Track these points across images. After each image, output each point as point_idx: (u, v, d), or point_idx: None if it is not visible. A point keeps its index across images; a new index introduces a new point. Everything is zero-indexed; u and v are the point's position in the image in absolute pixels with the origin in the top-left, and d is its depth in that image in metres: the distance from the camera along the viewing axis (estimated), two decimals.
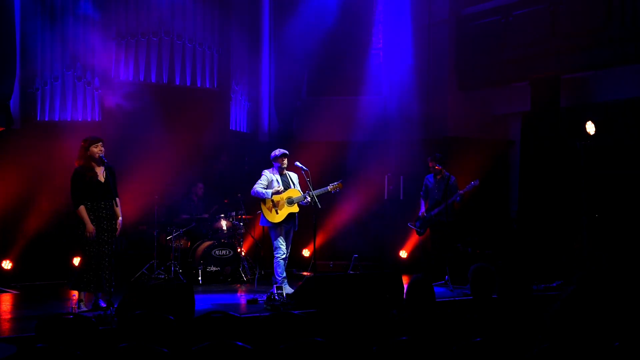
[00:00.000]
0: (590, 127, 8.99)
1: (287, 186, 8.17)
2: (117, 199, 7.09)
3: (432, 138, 10.92)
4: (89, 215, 6.87)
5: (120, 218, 7.10)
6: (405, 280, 7.92)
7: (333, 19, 11.51)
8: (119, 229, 7.09)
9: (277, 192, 8.04)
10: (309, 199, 7.95)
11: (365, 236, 11.11)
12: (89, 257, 6.88)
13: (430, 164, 9.35)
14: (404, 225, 9.92)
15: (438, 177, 9.34)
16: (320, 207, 7.98)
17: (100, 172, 6.97)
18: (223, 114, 11.32)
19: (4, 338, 5.70)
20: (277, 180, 8.14)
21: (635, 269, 8.58)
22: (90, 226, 6.83)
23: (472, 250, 10.01)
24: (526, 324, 4.35)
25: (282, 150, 8.23)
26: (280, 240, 8.09)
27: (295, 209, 8.10)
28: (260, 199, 8.15)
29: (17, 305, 8.02)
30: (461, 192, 9.09)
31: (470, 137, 11.06)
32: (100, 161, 6.95)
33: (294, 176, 8.34)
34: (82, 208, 6.86)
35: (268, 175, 8.17)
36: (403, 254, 10.95)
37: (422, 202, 9.51)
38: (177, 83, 10.79)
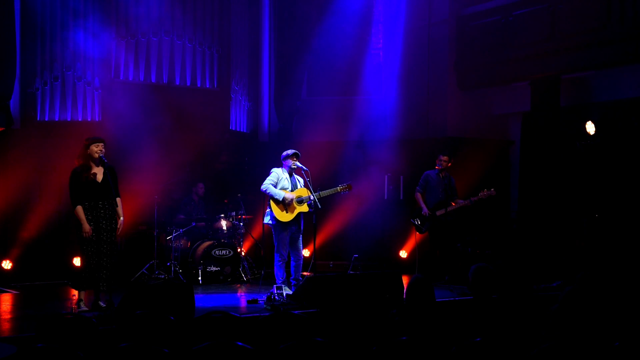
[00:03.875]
0: (590, 127, 8.99)
1: (294, 187, 8.13)
2: (119, 199, 7.08)
3: (432, 138, 10.91)
4: (87, 215, 6.88)
5: (122, 218, 7.08)
6: (405, 280, 7.92)
7: (333, 19, 11.51)
8: (119, 229, 7.08)
9: (290, 201, 7.96)
10: (318, 195, 7.88)
11: (365, 236, 11.08)
12: (88, 257, 6.91)
13: (438, 160, 9.28)
14: (404, 225, 9.89)
15: (442, 175, 9.30)
16: (320, 207, 7.96)
17: (99, 172, 6.97)
18: (223, 114, 11.31)
19: (4, 338, 5.70)
20: (286, 178, 8.07)
21: (635, 269, 8.57)
22: (86, 226, 6.84)
23: (472, 250, 10.00)
24: (526, 324, 4.35)
25: (294, 150, 8.19)
26: (282, 244, 8.01)
27: (305, 208, 8.02)
28: (270, 197, 8.09)
29: (17, 305, 8.01)
30: (474, 198, 9.09)
31: (470, 137, 11.05)
32: (99, 161, 6.96)
33: (299, 177, 8.29)
34: (79, 208, 6.88)
35: (278, 172, 8.06)
36: (403, 254, 10.94)
37: (420, 199, 9.42)
38: (177, 83, 10.79)
